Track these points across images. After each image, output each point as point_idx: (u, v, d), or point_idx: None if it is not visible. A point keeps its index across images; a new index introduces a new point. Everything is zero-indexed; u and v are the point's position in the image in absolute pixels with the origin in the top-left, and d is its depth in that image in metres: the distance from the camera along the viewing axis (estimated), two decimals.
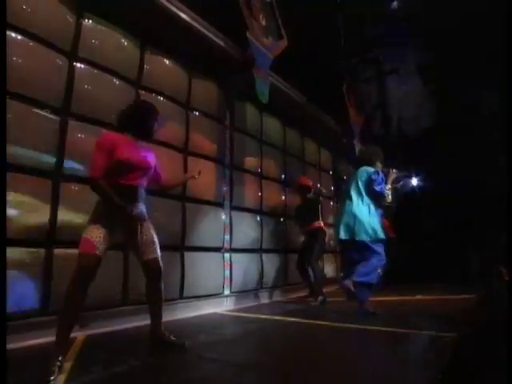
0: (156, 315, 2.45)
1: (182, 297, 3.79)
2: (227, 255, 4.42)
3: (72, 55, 3.16)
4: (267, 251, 5.08)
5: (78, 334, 2.77)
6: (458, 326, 2.94)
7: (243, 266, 4.65)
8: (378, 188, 3.47)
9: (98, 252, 2.10)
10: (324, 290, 4.60)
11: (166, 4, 3.69)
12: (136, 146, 2.33)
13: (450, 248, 7.72)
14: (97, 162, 2.13)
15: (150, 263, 2.37)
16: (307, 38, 6.22)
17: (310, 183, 5.16)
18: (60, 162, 2.95)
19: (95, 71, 3.32)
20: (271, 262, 5.14)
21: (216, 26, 4.27)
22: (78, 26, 3.23)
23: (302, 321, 3.42)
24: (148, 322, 2.49)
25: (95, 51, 3.33)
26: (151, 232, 2.40)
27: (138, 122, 2.35)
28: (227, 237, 4.45)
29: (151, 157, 2.40)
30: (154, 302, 2.46)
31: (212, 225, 4.30)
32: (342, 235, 3.55)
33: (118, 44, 3.56)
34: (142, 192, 2.37)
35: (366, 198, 3.55)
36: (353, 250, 3.60)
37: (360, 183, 3.59)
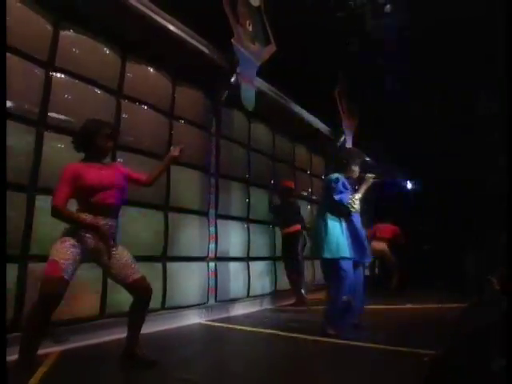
0: (134, 334, 2.40)
1: (163, 307, 3.75)
2: (212, 264, 4.38)
3: (49, 65, 3.12)
4: (255, 259, 5.04)
5: (53, 350, 2.75)
6: (436, 341, 2.89)
7: (229, 275, 4.61)
8: (336, 197, 3.20)
9: (65, 276, 2.03)
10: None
11: (147, 12, 3.65)
12: (99, 169, 2.29)
13: (448, 251, 7.69)
14: (59, 191, 2.13)
15: (137, 284, 2.30)
16: (299, 41, 6.18)
17: (292, 185, 5.22)
18: (35, 176, 2.91)
19: (72, 81, 3.27)
20: (259, 270, 5.10)
21: (201, 33, 4.23)
22: (55, 35, 3.19)
23: (282, 333, 3.38)
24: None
25: (73, 61, 3.29)
26: (127, 253, 2.36)
27: (86, 143, 2.31)
28: (212, 246, 4.41)
29: (118, 174, 2.37)
30: (137, 322, 2.41)
31: (196, 234, 4.26)
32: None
33: (97, 53, 3.52)
34: (115, 209, 2.33)
35: (326, 207, 3.34)
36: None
37: (323, 192, 3.42)
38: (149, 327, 3.45)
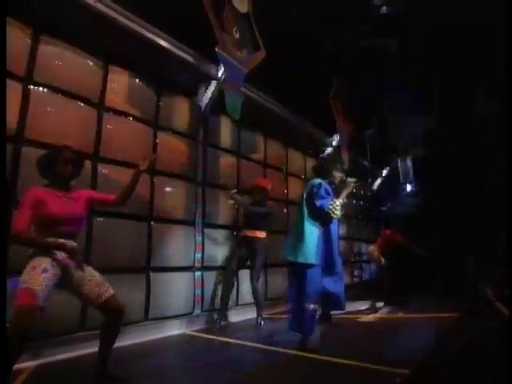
0: (106, 352, 2.39)
1: (147, 318, 3.75)
2: (198, 273, 4.37)
3: (27, 79, 3.14)
4: (244, 267, 5.00)
5: (28, 364, 2.76)
6: (415, 357, 2.83)
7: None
8: (317, 203, 3.14)
9: (39, 303, 1.99)
10: None
11: (128, 24, 3.66)
12: (60, 197, 2.28)
13: (448, 254, 7.56)
14: (21, 215, 2.13)
15: (109, 303, 2.29)
16: (291, 46, 6.13)
17: (268, 185, 4.64)
18: (14, 189, 2.93)
19: (52, 94, 3.29)
20: (249, 278, 5.05)
21: (185, 41, 4.22)
22: (34, 48, 3.21)
23: (263, 347, 3.35)
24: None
25: (52, 74, 3.30)
26: (96, 273, 2.36)
27: (47, 170, 2.31)
28: (199, 255, 4.40)
29: (79, 203, 2.36)
30: (109, 340, 2.39)
31: (182, 244, 4.26)
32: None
33: (78, 66, 3.53)
34: (73, 234, 2.34)
35: (306, 212, 3.24)
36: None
37: (305, 197, 3.30)
38: (131, 338, 3.51)
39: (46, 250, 2.16)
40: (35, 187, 2.25)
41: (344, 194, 3.34)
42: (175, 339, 3.76)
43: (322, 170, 3.47)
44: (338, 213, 3.19)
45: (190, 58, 4.26)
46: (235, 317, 4.73)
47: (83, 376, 2.52)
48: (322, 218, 3.21)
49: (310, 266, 3.09)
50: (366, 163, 8.57)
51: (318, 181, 3.32)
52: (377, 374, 2.52)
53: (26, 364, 2.74)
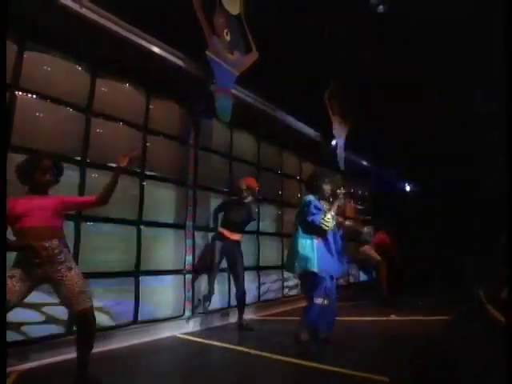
0: (83, 357, 2.41)
1: (136, 322, 3.78)
2: (189, 276, 4.39)
3: (13, 85, 3.16)
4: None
5: (16, 368, 2.80)
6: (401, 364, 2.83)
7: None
8: (309, 219, 3.38)
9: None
10: None
11: (116, 29, 3.65)
12: (32, 199, 2.33)
13: (448, 254, 7.53)
14: None
15: (85, 315, 2.33)
16: (286, 47, 6.10)
17: (254, 185, 4.50)
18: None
19: (39, 101, 3.31)
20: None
21: (175, 45, 4.22)
22: (20, 55, 3.22)
23: (249, 351, 3.36)
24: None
25: (39, 80, 3.32)
26: (81, 278, 2.38)
27: (25, 177, 2.35)
28: (189, 258, 4.42)
29: (49, 201, 2.39)
30: (84, 347, 2.41)
31: (171, 247, 4.28)
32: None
33: (65, 72, 3.54)
34: (42, 232, 2.32)
35: (301, 227, 3.47)
36: None
37: (297, 214, 3.58)
38: (120, 342, 3.56)
39: (15, 250, 2.27)
40: (12, 198, 2.27)
41: (334, 206, 3.56)
42: (163, 342, 3.79)
43: (312, 186, 3.69)
44: (330, 224, 3.40)
45: (180, 62, 4.25)
46: (229, 319, 4.76)
47: (67, 380, 2.56)
48: (316, 231, 3.43)
49: (313, 273, 3.30)
50: (366, 163, 8.54)
51: (308, 198, 3.58)
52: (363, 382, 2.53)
53: (14, 368, 2.81)
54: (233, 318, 4.79)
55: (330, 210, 3.47)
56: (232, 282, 4.59)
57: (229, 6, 4.86)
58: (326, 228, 3.36)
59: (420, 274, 7.29)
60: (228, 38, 4.77)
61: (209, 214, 4.74)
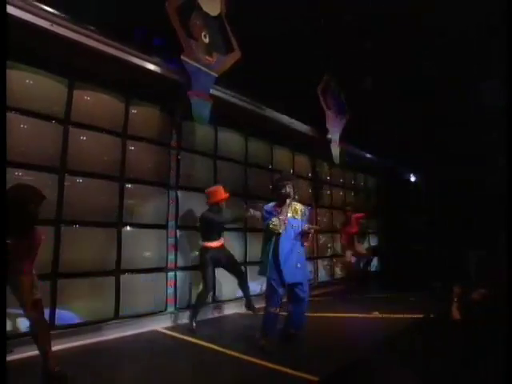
0: (43, 351, 2.70)
1: (117, 317, 4.07)
2: (171, 274, 4.62)
3: None
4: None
5: None
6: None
7: (191, 283, 4.85)
8: (263, 224, 3.63)
9: None
10: None
11: (88, 42, 3.81)
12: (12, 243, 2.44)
13: (447, 251, 7.36)
14: None
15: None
16: (277, 40, 6.06)
17: (219, 195, 4.47)
18: None
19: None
20: (226, 276, 5.24)
21: (150, 51, 4.35)
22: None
23: (217, 348, 3.55)
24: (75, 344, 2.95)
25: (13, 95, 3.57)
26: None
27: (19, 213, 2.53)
28: (172, 256, 4.64)
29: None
30: (39, 342, 2.70)
31: (152, 246, 4.52)
32: None
33: (40, 85, 3.78)
34: None
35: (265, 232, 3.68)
36: None
37: None
38: (102, 335, 3.86)
39: None
40: None
41: (284, 210, 3.61)
42: (142, 336, 4.04)
43: (276, 190, 3.77)
44: (277, 228, 3.51)
45: (157, 69, 4.38)
46: (212, 313, 4.99)
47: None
48: (270, 234, 3.56)
49: (268, 278, 3.50)
50: (369, 155, 8.40)
51: (267, 204, 3.76)
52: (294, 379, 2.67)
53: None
54: (219, 313, 5.03)
55: (280, 213, 3.55)
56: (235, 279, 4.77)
57: (208, 7, 4.91)
58: (274, 231, 3.48)
59: (420, 269, 7.17)
60: (206, 40, 4.84)
61: (190, 214, 4.92)
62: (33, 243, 2.65)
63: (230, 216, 4.64)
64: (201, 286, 4.49)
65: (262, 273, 3.64)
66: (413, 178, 8.16)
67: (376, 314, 5.00)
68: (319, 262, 7.18)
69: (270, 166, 6.36)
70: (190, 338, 3.90)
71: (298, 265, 3.55)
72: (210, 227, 4.41)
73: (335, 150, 6.85)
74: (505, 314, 3.81)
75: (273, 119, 5.95)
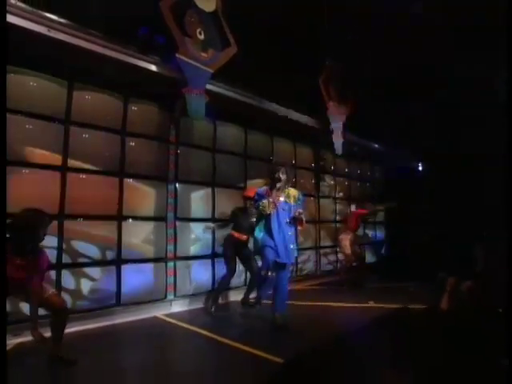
0: (53, 335, 3.00)
1: (119, 304, 4.35)
2: (171, 263, 4.86)
3: None
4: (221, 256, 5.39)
5: (10, 342, 3.47)
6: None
7: (191, 272, 5.08)
8: (254, 205, 4.05)
9: None
10: None
11: (85, 45, 3.97)
12: (14, 260, 2.69)
13: (455, 241, 7.28)
14: None
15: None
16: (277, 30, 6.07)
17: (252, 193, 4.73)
18: None
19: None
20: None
21: (147, 50, 4.49)
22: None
23: (205, 333, 3.78)
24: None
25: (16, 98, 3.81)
26: None
27: (18, 235, 2.74)
28: (171, 247, 4.87)
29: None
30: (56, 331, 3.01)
31: (152, 237, 4.76)
32: None
33: (41, 88, 4.01)
34: None
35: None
36: None
37: None
38: (104, 321, 4.15)
39: None
40: None
41: (273, 194, 3.87)
42: (143, 322, 4.32)
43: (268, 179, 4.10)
44: (266, 209, 3.79)
45: (154, 68, 4.52)
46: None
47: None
48: (261, 216, 3.96)
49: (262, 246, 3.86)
50: (376, 145, 8.33)
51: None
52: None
53: (8, 342, 3.47)
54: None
55: (274, 197, 3.83)
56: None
57: (203, 4, 4.98)
58: (264, 212, 3.79)
59: (425, 260, 7.13)
60: (202, 37, 4.93)
61: (188, 206, 5.13)
62: (41, 261, 2.91)
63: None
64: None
65: (257, 252, 4.06)
66: (420, 167, 8.03)
67: (371, 303, 5.10)
68: (321, 251, 7.29)
69: (271, 158, 6.45)
70: (185, 325, 4.14)
71: (291, 245, 3.86)
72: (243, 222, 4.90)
73: (337, 141, 6.86)
74: (491, 308, 3.87)
75: (272, 111, 6.00)
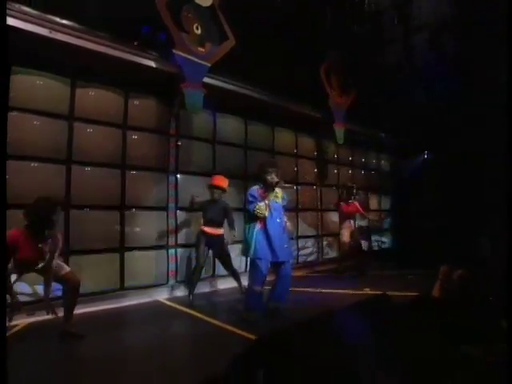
0: (65, 312, 3.36)
1: (122, 288, 4.66)
2: (172, 250, 5.13)
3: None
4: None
5: (23, 321, 3.82)
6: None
7: (192, 259, 5.34)
8: (247, 207, 3.81)
9: None
10: None
11: (85, 45, 4.19)
12: (34, 244, 3.04)
13: (460, 231, 7.26)
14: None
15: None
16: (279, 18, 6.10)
17: (224, 183, 4.78)
18: None
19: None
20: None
21: (147, 47, 4.69)
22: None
23: (204, 317, 4.03)
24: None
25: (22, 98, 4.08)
26: None
27: (39, 221, 3.06)
28: (172, 235, 5.14)
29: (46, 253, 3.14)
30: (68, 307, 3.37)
31: (153, 226, 5.02)
32: None
33: (46, 87, 4.26)
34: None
35: (248, 215, 3.92)
36: None
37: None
38: (110, 303, 4.47)
39: None
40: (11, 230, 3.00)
41: (269, 195, 3.85)
42: (146, 305, 4.63)
43: (257, 177, 3.99)
44: (262, 212, 3.73)
45: (153, 64, 4.71)
46: (214, 286, 5.50)
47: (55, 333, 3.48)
48: (255, 217, 3.81)
49: (253, 259, 3.78)
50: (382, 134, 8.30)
51: (251, 188, 3.93)
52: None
53: (22, 321, 3.84)
54: (220, 286, 5.53)
55: (265, 198, 3.76)
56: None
57: None
58: (260, 215, 3.71)
59: (429, 249, 7.16)
60: (199, 31, 5.06)
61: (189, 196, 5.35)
62: (55, 242, 3.24)
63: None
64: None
65: (245, 253, 3.90)
66: (426, 156, 7.97)
67: (367, 290, 5.22)
68: (323, 239, 7.43)
69: (272, 147, 6.58)
70: (185, 308, 4.41)
71: (285, 245, 3.91)
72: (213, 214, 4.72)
73: (339, 131, 6.89)
74: (481, 297, 3.91)
75: (272, 103, 6.11)
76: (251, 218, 3.85)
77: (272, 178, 3.83)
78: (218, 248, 4.79)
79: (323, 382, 2.31)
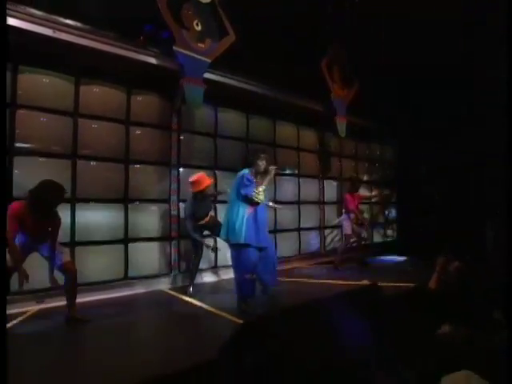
0: (68, 300, 3.59)
1: (126, 277, 4.86)
2: (175, 242, 5.30)
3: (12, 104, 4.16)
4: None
5: (33, 308, 4.05)
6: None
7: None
8: (242, 192, 3.75)
9: None
10: None
11: (87, 43, 4.34)
12: (36, 220, 3.24)
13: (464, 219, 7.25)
14: (9, 228, 3.09)
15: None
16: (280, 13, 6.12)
17: (203, 181, 4.69)
18: None
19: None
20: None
21: (150, 45, 4.81)
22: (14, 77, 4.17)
23: (205, 307, 4.20)
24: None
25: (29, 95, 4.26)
26: None
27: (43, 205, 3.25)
28: (175, 226, 5.30)
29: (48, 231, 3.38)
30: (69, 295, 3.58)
31: (157, 218, 5.19)
32: None
33: (51, 85, 4.44)
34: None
35: (236, 199, 3.83)
36: None
37: (236, 186, 3.88)
38: (114, 292, 4.67)
39: None
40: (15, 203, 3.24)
41: (266, 180, 3.86)
42: (149, 294, 4.82)
43: (247, 161, 4.02)
44: (261, 197, 3.79)
45: (155, 61, 4.84)
46: (215, 277, 5.67)
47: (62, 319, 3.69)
48: (250, 201, 3.82)
49: (242, 245, 3.75)
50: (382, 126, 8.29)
51: (242, 172, 3.91)
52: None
53: (32, 307, 4.07)
54: (221, 276, 5.70)
55: (261, 183, 3.79)
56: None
57: None
58: (258, 200, 3.74)
59: (431, 240, 7.18)
60: (199, 28, 5.15)
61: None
62: (56, 223, 3.48)
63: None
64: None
65: (232, 238, 3.77)
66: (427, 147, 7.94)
67: (365, 281, 5.31)
68: (326, 231, 7.51)
69: (273, 140, 6.67)
70: (186, 297, 4.59)
71: (267, 230, 4.04)
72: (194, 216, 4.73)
73: (341, 124, 6.92)
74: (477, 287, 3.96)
75: (273, 96, 6.19)
76: (242, 201, 3.80)
77: (263, 163, 3.90)
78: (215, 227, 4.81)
79: (305, 367, 2.46)
